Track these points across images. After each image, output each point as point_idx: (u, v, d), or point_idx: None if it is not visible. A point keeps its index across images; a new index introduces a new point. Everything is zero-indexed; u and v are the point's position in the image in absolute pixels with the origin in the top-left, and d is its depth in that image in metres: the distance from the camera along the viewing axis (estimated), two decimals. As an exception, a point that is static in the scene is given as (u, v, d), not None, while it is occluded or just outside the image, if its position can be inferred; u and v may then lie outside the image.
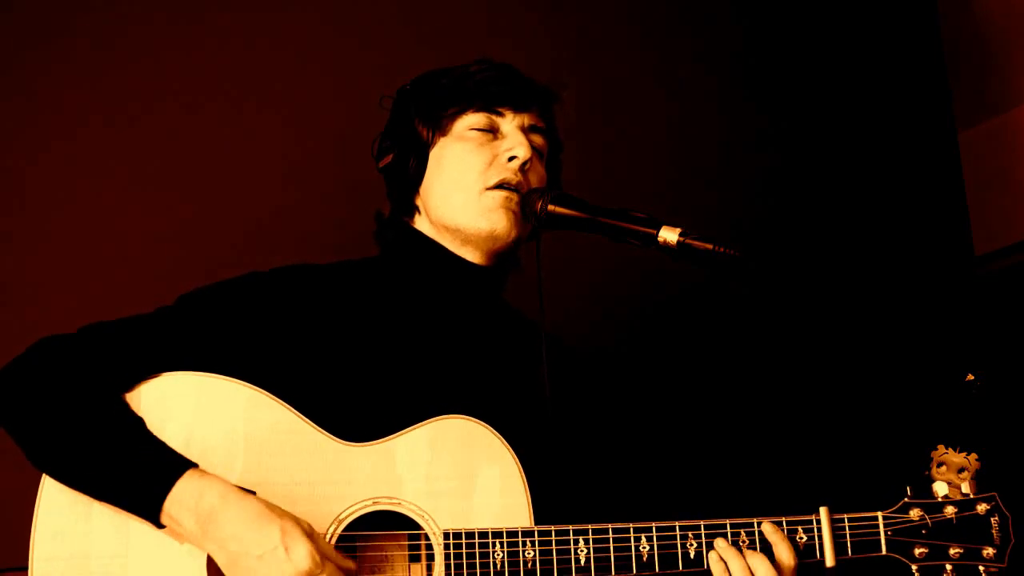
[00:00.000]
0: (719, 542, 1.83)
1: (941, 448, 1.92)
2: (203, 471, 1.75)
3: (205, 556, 1.76)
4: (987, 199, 3.85)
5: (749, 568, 1.81)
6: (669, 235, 1.85)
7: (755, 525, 1.85)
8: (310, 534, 1.71)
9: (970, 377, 2.19)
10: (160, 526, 1.73)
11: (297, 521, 1.71)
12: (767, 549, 1.84)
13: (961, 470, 1.91)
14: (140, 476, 1.73)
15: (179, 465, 1.74)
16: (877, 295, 3.53)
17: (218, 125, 2.99)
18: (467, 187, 2.03)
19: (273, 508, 1.72)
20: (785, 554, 1.83)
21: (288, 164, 3.03)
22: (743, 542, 1.84)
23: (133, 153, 2.91)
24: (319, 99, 3.08)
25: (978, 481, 1.91)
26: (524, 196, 2.03)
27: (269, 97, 3.05)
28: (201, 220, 2.91)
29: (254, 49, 3.07)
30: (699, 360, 3.33)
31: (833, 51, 3.75)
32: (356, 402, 1.91)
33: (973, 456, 1.91)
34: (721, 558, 1.82)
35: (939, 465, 1.92)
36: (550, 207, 1.97)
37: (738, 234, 3.11)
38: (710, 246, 1.82)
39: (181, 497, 1.71)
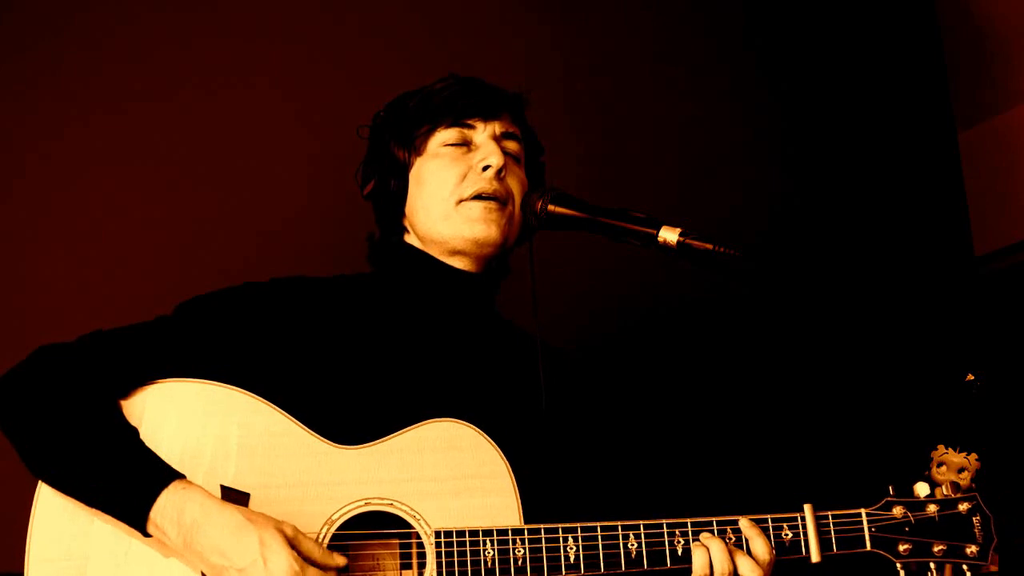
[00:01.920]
0: (703, 534, 1.85)
1: (941, 448, 1.93)
2: (188, 482, 1.73)
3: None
4: (987, 199, 3.86)
5: (730, 555, 1.82)
6: (669, 235, 1.85)
7: (740, 522, 1.87)
8: (293, 539, 1.69)
9: (970, 377, 2.20)
10: (148, 535, 1.73)
11: (279, 528, 1.69)
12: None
13: (961, 470, 1.91)
14: (126, 486, 1.72)
15: (164, 476, 1.73)
16: (877, 295, 3.54)
17: (220, 137, 2.98)
18: (444, 200, 2.04)
19: (254, 517, 1.71)
20: (761, 548, 1.84)
21: (287, 177, 3.02)
22: (729, 539, 1.85)
23: (134, 163, 2.90)
24: (324, 112, 3.06)
25: (978, 481, 1.91)
26: (525, 196, 2.05)
27: (274, 110, 3.04)
28: (201, 230, 2.91)
29: (260, 58, 3.07)
30: (698, 360, 3.33)
31: (833, 51, 3.75)
32: (349, 408, 1.91)
33: (973, 456, 1.92)
34: (704, 544, 1.83)
35: (939, 465, 1.92)
36: (550, 207, 1.97)
37: (738, 234, 3.11)
38: (710, 246, 1.82)
39: (164, 508, 1.70)
